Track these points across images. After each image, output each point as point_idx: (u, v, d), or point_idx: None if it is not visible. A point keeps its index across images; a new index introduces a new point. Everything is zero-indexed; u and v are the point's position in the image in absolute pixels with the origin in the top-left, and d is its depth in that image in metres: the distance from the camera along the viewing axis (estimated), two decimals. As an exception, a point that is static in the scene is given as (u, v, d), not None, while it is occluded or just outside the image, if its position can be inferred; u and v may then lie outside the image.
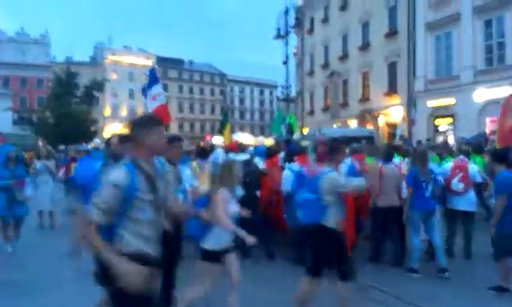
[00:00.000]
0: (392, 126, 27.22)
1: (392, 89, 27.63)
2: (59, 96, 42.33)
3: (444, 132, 23.29)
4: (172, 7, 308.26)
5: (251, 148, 11.38)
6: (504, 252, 5.58)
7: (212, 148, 10.78)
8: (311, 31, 38.93)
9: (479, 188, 7.68)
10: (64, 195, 11.76)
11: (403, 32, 26.26)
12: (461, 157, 7.68)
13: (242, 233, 4.27)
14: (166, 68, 78.12)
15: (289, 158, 7.62)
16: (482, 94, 20.74)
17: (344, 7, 33.03)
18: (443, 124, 24.01)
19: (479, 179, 7.45)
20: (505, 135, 7.76)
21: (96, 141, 22.78)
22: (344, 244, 4.61)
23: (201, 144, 13.65)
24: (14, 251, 8.01)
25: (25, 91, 62.76)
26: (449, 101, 22.82)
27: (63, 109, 40.30)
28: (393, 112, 27.42)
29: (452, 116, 23.01)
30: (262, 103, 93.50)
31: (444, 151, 9.34)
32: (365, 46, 30.42)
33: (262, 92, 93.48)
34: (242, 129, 77.05)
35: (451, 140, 18.51)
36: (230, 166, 4.64)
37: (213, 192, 4.40)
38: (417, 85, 24.82)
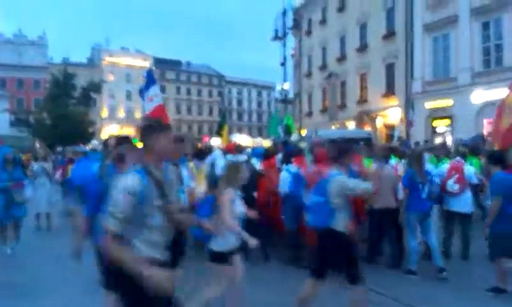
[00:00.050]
0: (390, 128, 27.29)
1: (390, 91, 27.67)
2: (56, 98, 42.27)
3: (442, 134, 23.32)
4: (169, 9, 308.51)
5: (249, 150, 11.39)
6: (499, 252, 5.60)
7: (210, 149, 10.77)
8: (309, 32, 38.96)
9: (475, 189, 7.69)
10: (62, 197, 11.76)
11: (401, 33, 26.31)
12: (458, 158, 7.70)
13: (245, 235, 4.30)
14: (164, 69, 78.15)
15: (287, 160, 7.62)
16: (479, 95, 20.79)
17: (341, 8, 33.06)
18: (440, 125, 24.05)
19: (475, 180, 7.46)
20: (503, 135, 7.77)
21: (94, 143, 22.79)
22: (352, 248, 4.59)
23: (199, 145, 13.65)
24: (13, 253, 8.00)
25: (22, 92, 62.61)
26: (447, 102, 22.87)
27: (60, 110, 40.24)
28: (391, 114, 27.46)
29: (449, 117, 23.05)
30: (259, 104, 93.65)
31: (441, 152, 9.35)
32: (362, 47, 30.46)
33: (259, 93, 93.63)
34: (240, 130, 77.11)
35: (449, 141, 18.53)
36: (236, 167, 4.69)
37: (219, 193, 4.42)
38: (415, 86, 24.85)
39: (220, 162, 8.73)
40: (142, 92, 9.99)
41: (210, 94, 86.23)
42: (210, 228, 4.23)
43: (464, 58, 21.58)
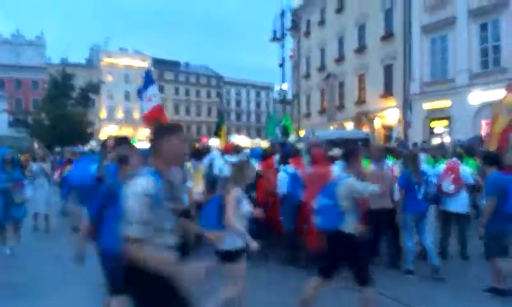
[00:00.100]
0: (388, 129, 27.37)
1: (388, 92, 27.73)
2: (55, 98, 42.25)
3: (440, 135, 23.38)
4: (168, 9, 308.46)
5: (248, 150, 11.42)
6: (494, 252, 5.64)
7: (208, 149, 10.79)
8: (307, 33, 39.03)
9: (471, 190, 7.73)
10: (60, 198, 11.75)
11: (399, 34, 26.38)
12: (454, 159, 7.74)
13: (247, 237, 4.30)
14: (162, 70, 78.11)
15: (284, 161, 7.64)
16: (477, 96, 20.85)
17: (340, 10, 33.14)
18: (438, 126, 24.11)
19: (471, 181, 7.50)
20: (500, 136, 7.81)
21: (92, 144, 22.82)
22: (362, 249, 4.61)
23: (197, 145, 13.65)
24: (12, 254, 7.98)
25: (20, 92, 62.53)
26: (445, 103, 22.93)
27: (59, 111, 40.21)
28: (389, 115, 27.52)
29: (447, 118, 23.12)
30: (258, 105, 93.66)
31: (438, 153, 9.40)
32: (361, 48, 30.52)
33: (258, 94, 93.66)
34: (238, 131, 77.17)
35: (447, 142, 18.57)
36: (243, 166, 4.71)
37: (226, 192, 4.43)
38: (413, 87, 24.91)
39: (218, 162, 8.76)
40: (140, 92, 10.01)
41: (208, 95, 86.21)
42: (212, 238, 4.21)
43: (462, 59, 21.65)
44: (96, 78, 54.64)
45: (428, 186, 6.68)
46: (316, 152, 7.30)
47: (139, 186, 2.51)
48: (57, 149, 30.37)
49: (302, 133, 30.37)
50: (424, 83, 24.37)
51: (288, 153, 8.14)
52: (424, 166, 7.25)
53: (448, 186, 7.24)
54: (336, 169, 6.87)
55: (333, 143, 10.73)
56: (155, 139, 2.73)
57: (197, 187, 7.35)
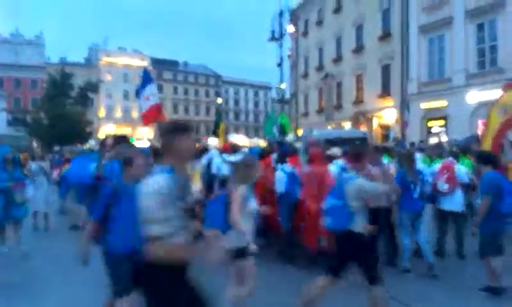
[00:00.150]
0: (386, 128, 27.43)
1: (386, 92, 27.80)
2: (54, 97, 42.15)
3: (437, 134, 23.45)
4: (167, 9, 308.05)
5: (246, 149, 11.47)
6: (489, 251, 5.68)
7: (206, 148, 10.86)
8: (305, 33, 39.08)
9: (466, 189, 7.80)
10: (59, 196, 11.79)
11: (396, 35, 26.45)
12: (450, 158, 7.80)
13: (248, 238, 4.29)
14: (161, 69, 78.06)
15: (281, 160, 7.68)
16: (474, 96, 20.92)
17: (337, 10, 33.20)
18: (435, 126, 24.18)
19: (466, 180, 7.56)
20: (495, 135, 7.84)
21: (91, 143, 22.83)
22: (371, 249, 4.63)
23: (197, 145, 13.70)
24: (11, 253, 7.92)
25: (19, 92, 62.49)
26: (442, 103, 23.01)
27: (58, 110, 40.13)
28: (386, 114, 27.61)
29: (444, 118, 23.19)
30: (256, 104, 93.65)
31: (434, 152, 9.46)
32: (358, 48, 30.59)
33: (256, 93, 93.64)
34: (237, 130, 77.15)
35: (444, 142, 18.63)
36: (250, 164, 4.68)
37: (232, 190, 4.41)
38: (410, 87, 24.99)
39: (216, 161, 8.83)
40: (138, 91, 10.06)
41: (207, 94, 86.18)
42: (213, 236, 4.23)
43: (459, 59, 21.73)
44: (95, 78, 54.62)
45: (424, 185, 6.75)
46: (314, 151, 7.34)
47: (155, 184, 2.56)
48: (56, 148, 30.38)
49: (300, 132, 30.42)
50: (421, 83, 24.44)
51: (285, 152, 8.18)
52: (420, 165, 7.31)
53: (443, 185, 7.31)
54: (333, 168, 6.95)
55: (330, 143, 10.77)
56: (166, 138, 2.74)
57: (194, 186, 7.41)
